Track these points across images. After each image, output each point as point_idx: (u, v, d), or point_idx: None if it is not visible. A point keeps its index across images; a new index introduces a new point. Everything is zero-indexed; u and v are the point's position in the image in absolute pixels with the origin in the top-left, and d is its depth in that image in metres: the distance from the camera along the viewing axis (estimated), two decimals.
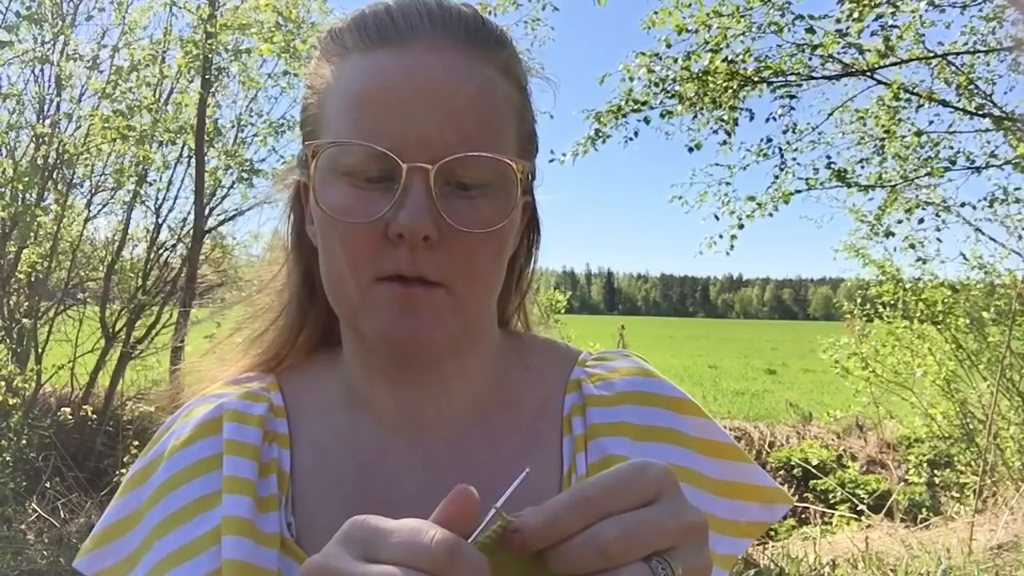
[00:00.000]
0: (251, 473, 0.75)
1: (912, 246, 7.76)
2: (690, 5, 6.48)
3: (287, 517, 0.76)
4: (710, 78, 6.55)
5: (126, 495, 0.80)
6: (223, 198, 7.59)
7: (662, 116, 6.94)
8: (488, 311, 0.81)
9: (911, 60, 6.66)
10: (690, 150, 7.23)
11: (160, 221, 7.59)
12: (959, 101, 6.80)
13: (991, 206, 7.32)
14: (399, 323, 0.69)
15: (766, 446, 10.49)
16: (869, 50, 6.38)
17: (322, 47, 0.78)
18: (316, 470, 0.79)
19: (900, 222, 7.66)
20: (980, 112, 6.75)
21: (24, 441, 5.74)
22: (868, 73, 6.66)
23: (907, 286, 8.18)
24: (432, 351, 0.71)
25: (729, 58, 6.47)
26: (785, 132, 7.27)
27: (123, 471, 5.58)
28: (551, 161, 7.03)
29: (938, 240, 7.64)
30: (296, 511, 0.76)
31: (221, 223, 7.72)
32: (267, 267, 0.90)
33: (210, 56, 6.56)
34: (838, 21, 6.26)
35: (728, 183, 7.56)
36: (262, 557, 0.71)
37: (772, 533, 6.94)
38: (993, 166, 7.06)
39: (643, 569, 0.50)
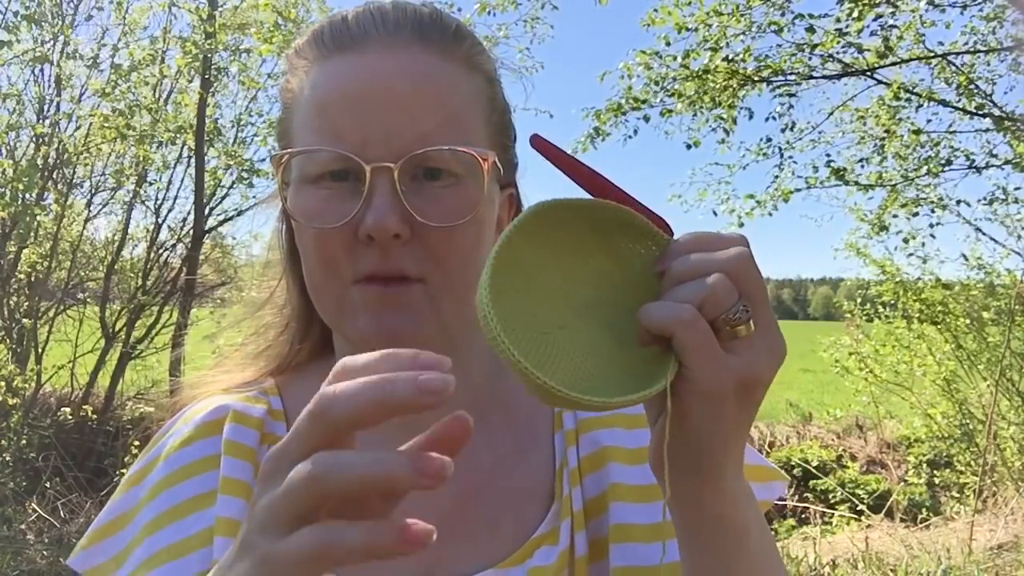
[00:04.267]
0: (246, 475, 0.76)
1: (906, 240, 7.74)
2: (690, 3, 6.48)
3: None
4: (710, 76, 6.55)
5: (122, 495, 0.80)
6: (223, 198, 7.59)
7: (662, 115, 6.94)
8: (465, 305, 0.82)
9: (911, 60, 6.65)
10: (688, 147, 7.23)
11: (160, 221, 7.59)
12: (959, 101, 6.80)
13: (990, 206, 7.32)
14: (378, 324, 0.70)
15: (766, 446, 10.47)
16: (869, 50, 6.37)
17: (288, 64, 0.79)
18: None
19: (896, 216, 7.66)
20: (980, 112, 6.74)
21: (24, 441, 5.74)
22: (868, 73, 6.66)
23: (906, 286, 8.16)
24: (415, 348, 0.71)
25: (729, 57, 6.47)
26: (784, 131, 7.27)
27: (123, 471, 5.56)
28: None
29: (932, 237, 7.63)
30: None
31: (221, 223, 7.72)
32: (265, 282, 0.90)
33: (210, 56, 6.55)
34: (838, 21, 6.26)
35: (727, 182, 7.57)
36: None
37: (772, 533, 6.93)
38: (993, 166, 7.06)
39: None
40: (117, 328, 7.14)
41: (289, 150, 0.72)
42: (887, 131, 7.23)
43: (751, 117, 6.99)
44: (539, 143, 0.61)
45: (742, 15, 6.41)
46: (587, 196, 0.60)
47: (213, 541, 0.72)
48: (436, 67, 0.72)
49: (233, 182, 7.41)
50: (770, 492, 0.87)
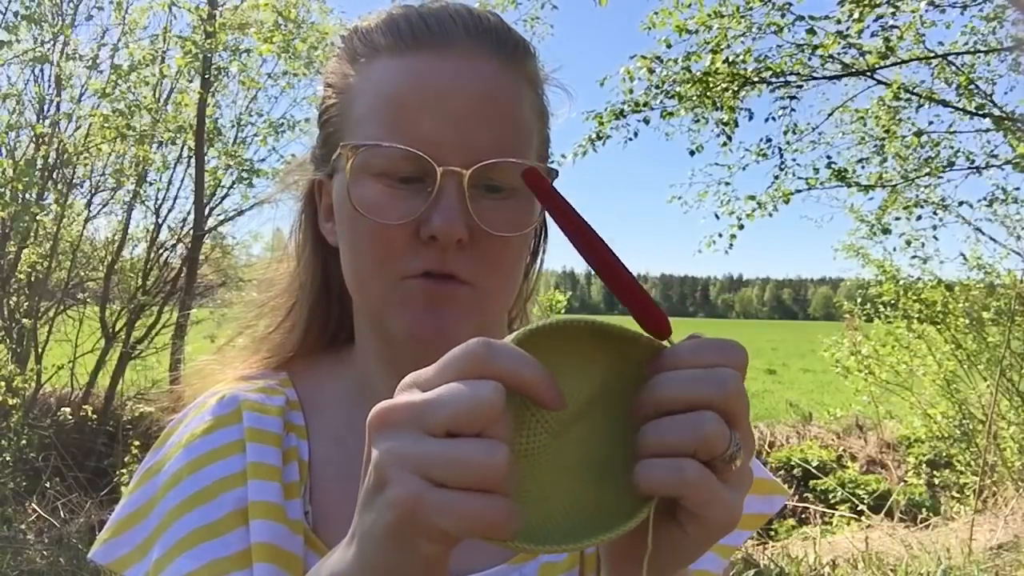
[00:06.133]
0: (276, 460, 0.77)
1: (908, 243, 7.75)
2: (690, 5, 6.48)
3: (305, 506, 0.77)
4: (711, 79, 6.54)
5: (141, 487, 0.80)
6: (223, 198, 7.59)
7: (662, 116, 6.94)
8: (503, 313, 0.83)
9: (911, 60, 6.65)
10: (691, 153, 7.24)
11: (160, 221, 7.59)
12: (959, 101, 6.79)
13: (991, 206, 7.31)
14: (425, 319, 0.71)
15: (766, 446, 10.48)
16: (870, 52, 6.37)
17: (346, 47, 0.78)
18: (332, 461, 0.80)
19: (898, 219, 7.66)
20: (980, 112, 6.74)
21: (24, 441, 5.73)
22: (868, 73, 6.65)
23: (905, 286, 8.16)
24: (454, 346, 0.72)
25: (730, 59, 6.46)
26: (785, 133, 7.26)
27: (123, 471, 5.58)
28: (551, 163, 7.01)
29: (935, 239, 7.64)
30: (313, 500, 0.78)
31: (221, 223, 7.73)
32: (274, 267, 0.90)
33: (210, 56, 6.55)
34: (838, 22, 6.25)
35: (728, 183, 7.56)
36: (291, 543, 0.73)
37: (772, 533, 6.94)
38: (993, 166, 7.05)
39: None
40: (117, 328, 7.14)
41: (365, 143, 0.71)
42: (887, 131, 7.23)
43: (751, 118, 6.99)
44: (533, 180, 0.58)
45: (743, 16, 6.41)
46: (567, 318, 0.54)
47: (248, 522, 0.72)
48: (509, 80, 0.74)
49: (233, 182, 7.41)
50: (770, 505, 0.88)
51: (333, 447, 0.81)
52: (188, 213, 7.47)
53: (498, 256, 0.72)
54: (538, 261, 0.90)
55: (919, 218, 7.49)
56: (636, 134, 7.03)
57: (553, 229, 0.89)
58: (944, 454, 8.54)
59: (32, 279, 6.79)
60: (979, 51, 6.74)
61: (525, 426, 0.54)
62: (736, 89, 6.67)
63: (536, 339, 0.53)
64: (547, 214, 0.86)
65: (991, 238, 7.73)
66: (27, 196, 5.94)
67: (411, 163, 0.69)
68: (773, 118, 7.20)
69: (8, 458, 5.59)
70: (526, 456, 0.54)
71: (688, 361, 0.53)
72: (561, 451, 0.55)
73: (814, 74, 6.75)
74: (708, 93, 6.67)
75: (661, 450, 0.51)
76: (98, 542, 0.80)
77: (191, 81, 6.96)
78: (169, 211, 7.62)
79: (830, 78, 6.83)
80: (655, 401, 0.52)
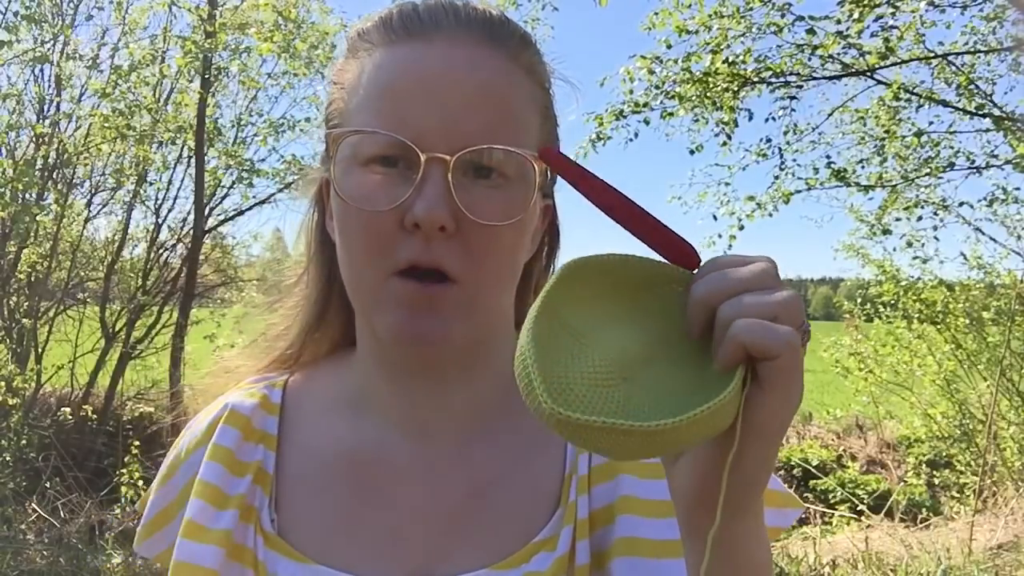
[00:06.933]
0: (216, 477, 0.79)
1: (910, 244, 7.75)
2: (690, 6, 6.47)
3: (271, 514, 0.78)
4: (710, 79, 6.54)
5: (164, 486, 0.85)
6: (223, 198, 7.61)
7: (662, 117, 6.94)
8: (503, 314, 0.81)
9: (911, 60, 6.65)
10: (691, 152, 7.23)
11: (160, 221, 7.61)
12: (959, 101, 6.79)
13: (991, 206, 7.31)
14: (411, 322, 0.69)
15: None
16: (869, 51, 6.37)
17: (349, 46, 0.79)
18: (304, 468, 0.81)
19: (898, 219, 7.66)
20: (980, 112, 6.73)
21: (24, 441, 5.74)
22: (868, 73, 6.65)
23: (906, 286, 8.16)
24: (444, 349, 0.72)
25: (730, 59, 6.46)
26: (785, 133, 7.26)
27: (123, 471, 5.59)
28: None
29: (935, 239, 7.63)
30: (280, 507, 0.79)
31: (221, 223, 7.73)
32: (293, 266, 0.90)
33: (210, 56, 6.55)
34: (838, 22, 6.25)
35: (727, 183, 7.56)
36: (199, 555, 0.75)
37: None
38: (993, 166, 7.05)
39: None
40: (117, 328, 7.15)
41: (346, 130, 0.71)
42: (887, 132, 7.23)
43: (751, 118, 6.98)
44: (552, 157, 0.62)
45: (743, 17, 6.40)
46: (610, 252, 0.59)
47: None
48: (501, 68, 0.72)
49: (233, 182, 7.42)
50: (784, 519, 0.84)
51: (306, 453, 0.82)
52: (188, 213, 7.49)
53: (486, 246, 0.69)
54: (550, 267, 0.89)
55: (919, 218, 7.49)
56: (636, 135, 7.03)
57: (563, 228, 0.88)
58: (944, 454, 8.53)
59: (32, 279, 6.79)
60: (979, 51, 6.74)
61: (584, 357, 0.56)
62: (736, 89, 6.66)
63: (583, 275, 0.57)
64: (555, 211, 0.86)
65: (991, 238, 7.74)
66: (27, 196, 5.94)
67: (396, 150, 0.69)
68: (773, 118, 7.20)
69: (8, 458, 5.59)
70: (599, 387, 0.55)
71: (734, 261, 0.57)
72: (632, 393, 0.56)
73: (814, 74, 6.75)
74: (708, 93, 6.66)
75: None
76: (139, 538, 0.85)
77: (191, 81, 6.96)
78: (169, 211, 7.64)
79: (830, 78, 6.82)
80: (704, 302, 0.55)
